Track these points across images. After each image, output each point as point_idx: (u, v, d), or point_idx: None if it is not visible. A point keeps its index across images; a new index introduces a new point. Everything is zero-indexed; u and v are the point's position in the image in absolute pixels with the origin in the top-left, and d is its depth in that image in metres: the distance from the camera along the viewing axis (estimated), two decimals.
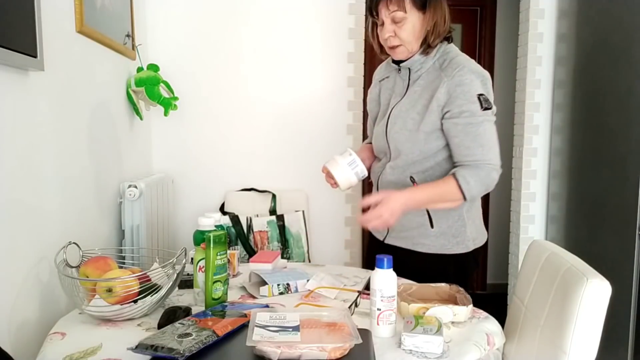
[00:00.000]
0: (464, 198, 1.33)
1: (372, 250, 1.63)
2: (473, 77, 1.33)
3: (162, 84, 2.08)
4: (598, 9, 2.27)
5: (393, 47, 1.39)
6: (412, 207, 1.37)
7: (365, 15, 1.48)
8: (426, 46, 1.38)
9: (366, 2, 1.44)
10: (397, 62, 1.46)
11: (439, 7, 1.35)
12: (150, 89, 2.03)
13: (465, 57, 1.38)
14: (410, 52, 1.39)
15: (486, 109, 1.33)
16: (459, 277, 1.39)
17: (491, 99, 1.36)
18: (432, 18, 1.34)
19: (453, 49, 1.41)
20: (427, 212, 1.42)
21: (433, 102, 1.35)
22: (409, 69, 1.44)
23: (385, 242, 1.55)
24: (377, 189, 1.54)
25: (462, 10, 3.56)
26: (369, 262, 1.70)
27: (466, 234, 1.44)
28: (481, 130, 1.33)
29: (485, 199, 3.64)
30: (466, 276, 1.45)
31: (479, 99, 1.32)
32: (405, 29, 1.34)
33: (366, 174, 1.42)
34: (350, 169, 1.38)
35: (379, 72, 1.61)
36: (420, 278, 1.37)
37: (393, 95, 1.49)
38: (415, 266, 1.36)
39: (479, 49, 3.58)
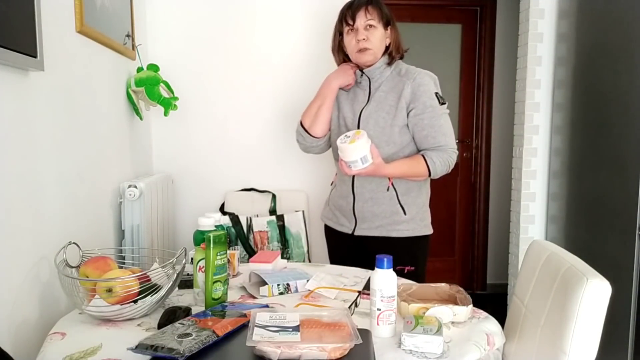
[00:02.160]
0: (429, 174, 1.62)
1: (339, 243, 1.81)
2: (428, 79, 1.65)
3: (162, 84, 2.08)
4: (598, 9, 2.27)
5: (364, 50, 1.64)
6: (382, 173, 1.58)
7: (337, 31, 1.73)
8: (390, 58, 1.69)
9: (342, 13, 1.68)
10: (361, 70, 1.71)
11: (396, 31, 1.71)
12: (150, 89, 2.03)
13: (415, 67, 1.70)
14: (376, 58, 1.67)
15: (442, 103, 1.64)
16: (425, 257, 1.73)
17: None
18: (391, 36, 1.70)
19: (402, 63, 1.74)
20: (399, 201, 1.66)
21: (401, 101, 1.63)
22: (369, 79, 1.70)
23: (355, 234, 1.72)
24: (353, 183, 1.70)
25: (462, 10, 3.55)
26: (336, 258, 1.81)
27: (428, 219, 1.74)
28: (442, 122, 1.63)
29: (485, 199, 3.64)
30: (427, 256, 1.76)
31: (436, 96, 1.63)
32: (375, 36, 1.64)
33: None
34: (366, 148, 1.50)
35: None
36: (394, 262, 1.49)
37: (355, 103, 1.72)
38: (389, 251, 1.39)
39: (479, 49, 3.57)
